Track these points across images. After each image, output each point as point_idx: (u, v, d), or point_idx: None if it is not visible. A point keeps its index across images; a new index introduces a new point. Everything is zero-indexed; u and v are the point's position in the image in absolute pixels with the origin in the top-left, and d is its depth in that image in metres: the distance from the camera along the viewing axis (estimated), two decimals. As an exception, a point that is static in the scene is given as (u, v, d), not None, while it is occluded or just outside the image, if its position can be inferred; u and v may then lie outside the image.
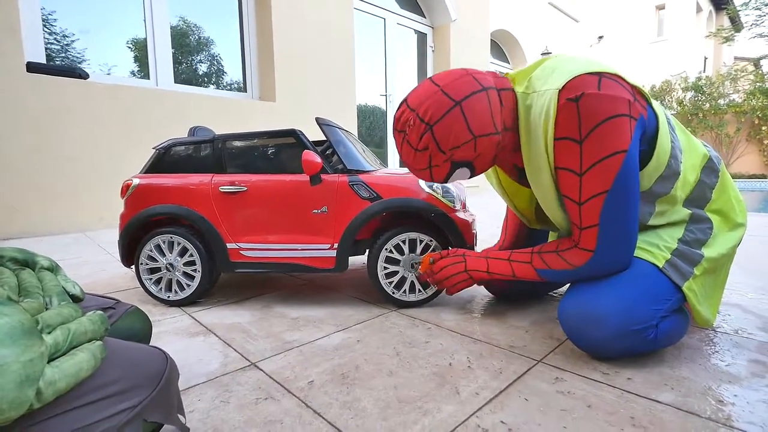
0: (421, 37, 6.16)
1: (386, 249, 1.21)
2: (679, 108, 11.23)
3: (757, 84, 10.22)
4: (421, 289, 1.23)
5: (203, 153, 1.32)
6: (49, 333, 0.47)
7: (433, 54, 6.24)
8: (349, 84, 4.68)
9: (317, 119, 1.29)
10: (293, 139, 1.27)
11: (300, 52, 4.16)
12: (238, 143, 1.31)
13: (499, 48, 8.17)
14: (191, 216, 1.25)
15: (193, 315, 1.20)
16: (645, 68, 13.30)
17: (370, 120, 5.72)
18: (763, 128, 9.89)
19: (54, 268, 0.67)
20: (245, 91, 4.14)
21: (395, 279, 1.22)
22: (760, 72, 11.46)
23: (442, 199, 1.21)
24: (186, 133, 3.27)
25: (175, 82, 3.66)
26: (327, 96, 4.45)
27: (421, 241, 1.21)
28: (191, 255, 1.26)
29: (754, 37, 13.08)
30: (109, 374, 0.49)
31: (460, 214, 1.23)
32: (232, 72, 4.19)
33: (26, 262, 0.64)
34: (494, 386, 0.78)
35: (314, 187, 1.22)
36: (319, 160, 1.18)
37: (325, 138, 1.33)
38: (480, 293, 1.36)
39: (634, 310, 0.81)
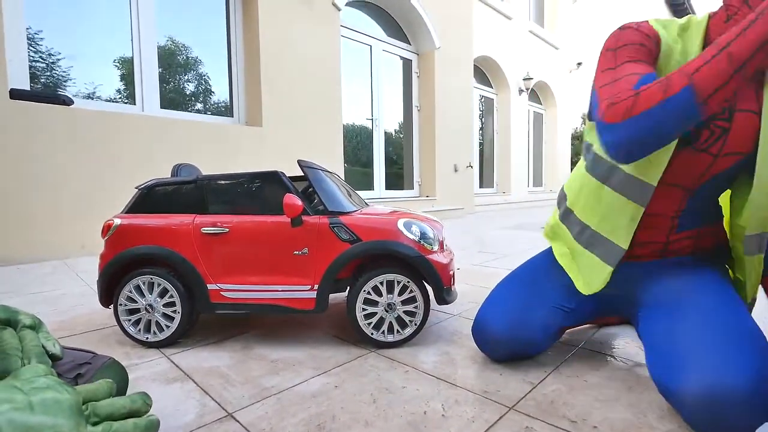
0: (407, 63, 6.32)
1: (365, 291, 1.23)
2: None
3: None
4: (399, 329, 1.25)
5: (186, 193, 1.34)
6: (94, 424, 0.50)
7: (418, 79, 6.39)
8: (335, 109, 4.76)
9: (299, 162, 1.33)
10: (275, 181, 1.30)
11: (287, 77, 4.23)
12: (220, 184, 1.33)
13: (482, 73, 8.41)
14: (172, 257, 1.26)
15: (172, 358, 1.20)
16: (622, 93, 13.79)
17: (357, 140, 5.81)
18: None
19: (36, 326, 0.68)
20: (231, 115, 4.17)
21: (374, 320, 1.24)
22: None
23: (420, 242, 1.25)
24: (170, 163, 3.28)
25: (161, 106, 3.68)
26: (313, 121, 4.51)
27: (398, 282, 1.24)
28: (171, 296, 1.26)
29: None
30: None
31: (437, 256, 1.26)
32: (219, 95, 4.23)
33: (8, 321, 0.65)
34: (466, 437, 0.80)
35: (295, 229, 1.25)
36: (300, 203, 1.21)
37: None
38: (461, 329, 1.39)
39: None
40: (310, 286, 1.24)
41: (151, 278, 1.26)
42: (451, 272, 1.31)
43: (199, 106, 4.11)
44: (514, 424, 0.85)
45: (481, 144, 8.63)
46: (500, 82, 8.63)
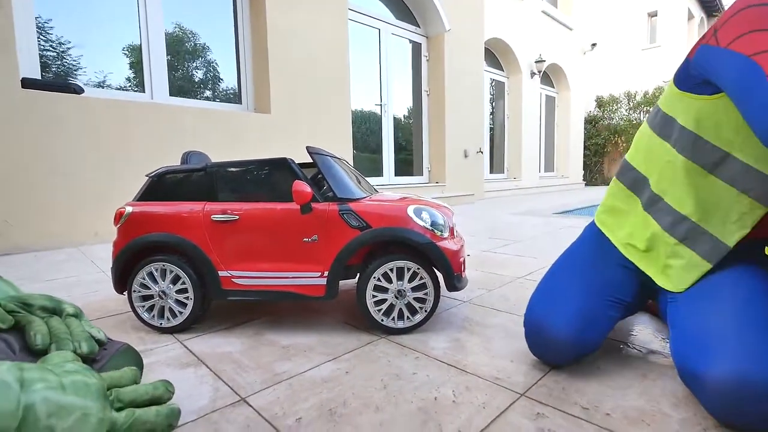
0: (416, 47, 6.21)
1: (375, 278, 1.23)
2: (671, 114, 11.34)
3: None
4: (409, 316, 1.25)
5: (195, 181, 1.34)
6: (118, 410, 0.52)
7: (428, 63, 6.29)
8: (344, 95, 4.72)
9: (308, 148, 1.32)
10: (284, 168, 1.29)
11: (295, 63, 4.19)
12: (230, 171, 1.33)
13: (493, 56, 8.24)
14: (184, 244, 1.26)
15: (185, 343, 1.22)
16: (638, 74, 13.43)
17: (366, 126, 5.76)
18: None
19: (78, 314, 0.71)
20: (240, 102, 4.16)
21: (384, 306, 1.24)
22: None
23: (431, 228, 1.23)
24: (180, 150, 3.29)
25: (171, 94, 3.68)
26: (322, 107, 4.48)
27: (408, 269, 1.23)
28: (183, 283, 1.28)
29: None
30: None
31: (448, 243, 1.25)
32: (227, 82, 4.21)
33: (54, 309, 0.69)
34: (477, 423, 0.80)
35: (305, 216, 1.24)
36: (309, 190, 1.20)
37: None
38: (472, 315, 1.39)
39: None
40: (320, 273, 1.24)
41: (164, 265, 1.28)
42: (462, 259, 1.30)
43: (207, 93, 4.10)
44: (526, 411, 0.84)
45: (491, 129, 8.50)
46: (512, 65, 8.45)
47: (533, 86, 8.94)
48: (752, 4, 0.78)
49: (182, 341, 1.23)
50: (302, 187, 1.19)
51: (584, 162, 11.78)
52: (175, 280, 1.29)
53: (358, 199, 1.30)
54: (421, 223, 1.23)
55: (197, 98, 3.94)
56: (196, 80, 4.04)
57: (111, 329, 1.34)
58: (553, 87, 10.31)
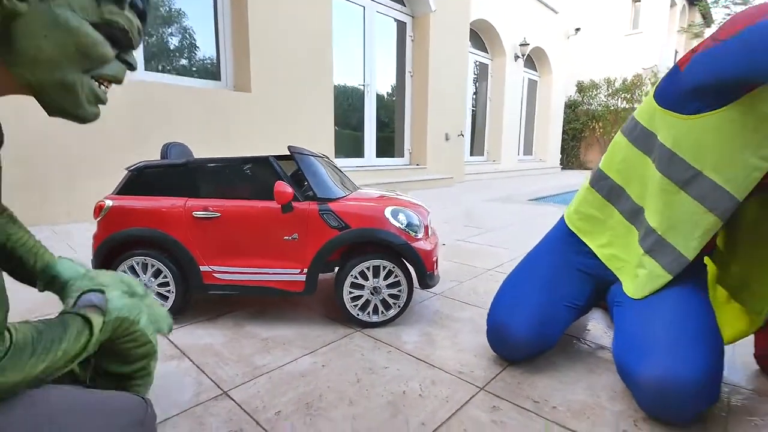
0: (401, 26, 6.11)
1: (352, 275, 1.30)
2: (648, 102, 11.62)
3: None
4: (384, 311, 1.33)
5: (176, 176, 1.35)
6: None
7: (413, 43, 6.22)
8: (326, 73, 4.65)
9: (290, 148, 1.34)
10: (266, 166, 1.32)
11: (276, 40, 4.08)
12: (211, 167, 1.35)
13: (478, 38, 8.18)
14: (165, 240, 1.29)
15: (168, 335, 1.27)
16: (620, 60, 13.59)
17: (348, 102, 5.71)
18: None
19: (148, 294, 0.83)
20: (219, 79, 4.05)
21: (360, 302, 1.32)
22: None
23: (406, 230, 1.30)
24: (156, 128, 3.22)
25: (146, 69, 3.55)
26: (304, 85, 4.41)
27: (384, 268, 1.31)
28: (165, 276, 1.31)
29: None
30: (86, 428, 0.56)
31: (422, 243, 1.32)
32: (205, 57, 4.08)
33: (131, 291, 0.77)
34: (440, 416, 0.89)
35: (285, 215, 1.28)
36: (290, 190, 1.24)
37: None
38: (443, 309, 1.48)
39: (718, 377, 0.84)
40: (299, 270, 1.30)
41: (145, 259, 1.31)
42: (435, 258, 1.37)
43: (185, 69, 3.97)
44: (483, 404, 0.94)
45: (473, 111, 8.54)
46: (496, 48, 8.42)
47: (516, 69, 8.96)
48: (750, 10, 0.81)
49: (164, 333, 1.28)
50: (283, 187, 1.23)
51: (561, 146, 12.00)
52: (157, 273, 1.32)
53: (338, 198, 1.35)
54: (398, 225, 1.30)
55: (174, 74, 3.81)
56: (174, 56, 3.90)
57: (93, 319, 1.36)
58: (536, 71, 10.36)
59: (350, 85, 5.67)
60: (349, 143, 5.72)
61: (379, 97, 6.02)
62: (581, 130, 12.58)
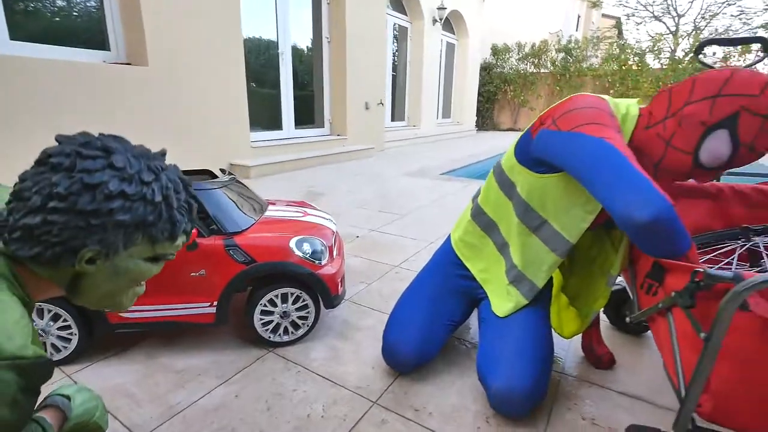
0: (315, -11, 5.79)
1: (261, 304, 1.40)
2: (552, 68, 12.51)
3: (611, 51, 11.79)
4: (293, 331, 1.46)
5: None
6: None
7: (329, 7, 5.95)
8: (235, 43, 4.34)
9: (191, 184, 1.35)
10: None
11: (175, 5, 3.68)
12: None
13: (397, 0, 8.02)
14: (60, 285, 1.26)
15: (74, 376, 1.28)
16: (531, 24, 14.25)
17: (264, 56, 5.39)
18: (611, 91, 11.66)
19: None
20: (107, 49, 3.59)
21: (271, 326, 1.43)
22: (617, 40, 13.19)
23: (310, 259, 1.42)
24: (23, 126, 2.84)
25: (11, 38, 3.04)
26: (210, 58, 4.09)
27: (292, 294, 1.42)
28: (66, 320, 1.30)
29: (617, 5, 14.80)
30: None
31: (326, 269, 1.45)
32: (89, 24, 3.56)
33: None
34: (337, 436, 1.08)
35: (191, 252, 1.32)
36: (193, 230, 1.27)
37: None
38: (350, 317, 1.65)
39: (546, 382, 1.13)
40: (209, 303, 1.36)
41: (39, 305, 1.27)
42: (339, 279, 1.51)
43: (60, 30, 3.44)
44: (374, 418, 1.15)
45: (394, 75, 8.54)
46: (414, 11, 8.35)
47: (435, 33, 9.02)
48: (590, 105, 1.00)
49: (70, 374, 1.29)
50: (185, 230, 1.25)
51: (477, 108, 12.58)
52: (57, 317, 1.30)
53: (243, 230, 1.40)
54: (302, 255, 1.40)
55: (51, 45, 3.30)
56: (48, 21, 3.34)
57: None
58: (454, 34, 10.51)
59: (266, 38, 5.33)
60: (265, 110, 5.46)
61: (296, 68, 5.76)
62: (495, 92, 13.23)
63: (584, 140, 0.93)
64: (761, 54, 1.46)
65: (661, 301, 0.89)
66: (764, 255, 1.11)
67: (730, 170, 1.74)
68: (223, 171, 1.73)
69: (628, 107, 1.03)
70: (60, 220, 0.52)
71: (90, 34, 3.54)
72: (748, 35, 2.21)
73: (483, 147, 8.61)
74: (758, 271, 1.08)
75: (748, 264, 1.19)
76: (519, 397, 1.08)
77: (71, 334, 1.31)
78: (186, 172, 1.79)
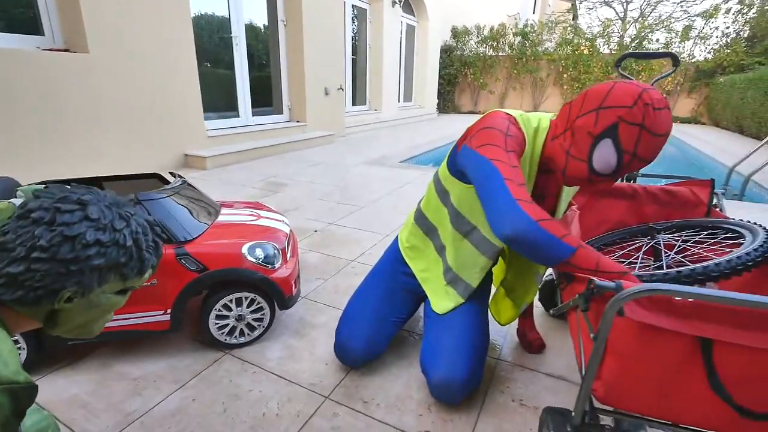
0: (267, -31, 5.58)
1: (216, 309, 1.44)
2: (509, 51, 12.75)
3: (565, 35, 12.15)
4: (249, 333, 1.52)
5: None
6: None
7: (282, -12, 5.75)
8: (184, 22, 4.14)
9: (138, 196, 1.35)
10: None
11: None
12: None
13: (354, -20, 7.85)
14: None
15: None
16: (490, 5, 14.35)
17: (218, 35, 5.20)
18: (564, 75, 12.09)
19: None
20: (41, 33, 3.35)
21: (227, 329, 1.48)
22: (571, 23, 13.58)
23: (263, 264, 1.47)
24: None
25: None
26: (157, 40, 3.90)
27: (246, 298, 1.47)
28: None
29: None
30: None
31: (280, 272, 1.51)
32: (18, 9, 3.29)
33: None
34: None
35: (141, 263, 1.33)
36: (142, 242, 1.28)
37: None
38: (305, 315, 1.72)
39: (480, 372, 1.24)
40: (163, 311, 1.39)
41: (-17, 322, 1.25)
42: (293, 280, 1.57)
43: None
44: (327, 412, 1.24)
45: (354, 59, 8.44)
46: (373, -8, 8.22)
47: (394, 15, 8.94)
48: (492, 126, 1.09)
49: None
50: (134, 242, 1.27)
51: (438, 91, 12.69)
52: (1, 333, 1.28)
53: (194, 238, 1.43)
54: (254, 261, 1.45)
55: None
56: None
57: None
58: (414, 15, 10.45)
59: (219, 14, 5.11)
60: (221, 95, 5.28)
61: (252, 53, 5.57)
62: (456, 75, 13.35)
63: (479, 160, 1.04)
64: (672, 67, 1.62)
65: (571, 299, 1.03)
66: (662, 252, 1.27)
67: (644, 173, 1.93)
68: (173, 174, 1.73)
69: (540, 120, 1.14)
70: (42, 268, 0.58)
71: (19, 16, 3.28)
72: (662, 51, 2.44)
73: (443, 132, 8.75)
74: (657, 267, 1.25)
75: (653, 258, 1.36)
76: (457, 386, 1.21)
77: (20, 348, 1.31)
78: (135, 177, 1.77)
